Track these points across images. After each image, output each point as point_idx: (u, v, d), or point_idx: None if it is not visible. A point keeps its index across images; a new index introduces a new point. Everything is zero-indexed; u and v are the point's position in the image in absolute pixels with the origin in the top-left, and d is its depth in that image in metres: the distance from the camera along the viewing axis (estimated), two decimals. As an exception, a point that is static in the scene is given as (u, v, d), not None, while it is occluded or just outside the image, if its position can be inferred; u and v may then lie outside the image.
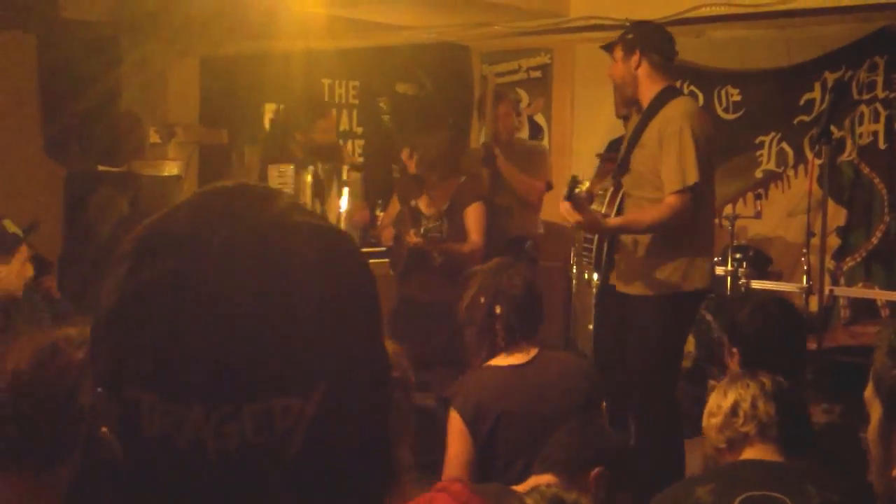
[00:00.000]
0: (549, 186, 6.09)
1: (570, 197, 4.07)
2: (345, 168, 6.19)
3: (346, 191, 6.07)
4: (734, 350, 3.37)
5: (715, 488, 2.20)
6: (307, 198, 5.77)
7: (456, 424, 3.28)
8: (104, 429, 0.77)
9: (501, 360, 3.36)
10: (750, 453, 2.33)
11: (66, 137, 5.87)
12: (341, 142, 7.38)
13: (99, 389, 0.78)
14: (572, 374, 3.42)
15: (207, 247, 0.77)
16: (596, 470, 2.49)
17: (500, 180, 5.79)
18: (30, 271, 3.79)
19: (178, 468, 0.75)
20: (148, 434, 0.75)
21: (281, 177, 5.80)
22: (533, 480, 2.55)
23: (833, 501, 2.05)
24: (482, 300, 3.37)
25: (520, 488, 2.43)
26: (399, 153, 6.01)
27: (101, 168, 5.65)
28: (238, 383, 0.74)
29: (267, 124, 6.95)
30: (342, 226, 6.04)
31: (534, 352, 3.37)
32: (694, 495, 2.20)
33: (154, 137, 6.21)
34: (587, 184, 4.26)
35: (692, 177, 4.15)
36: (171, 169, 6.02)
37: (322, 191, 5.85)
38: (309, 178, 5.79)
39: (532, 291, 3.43)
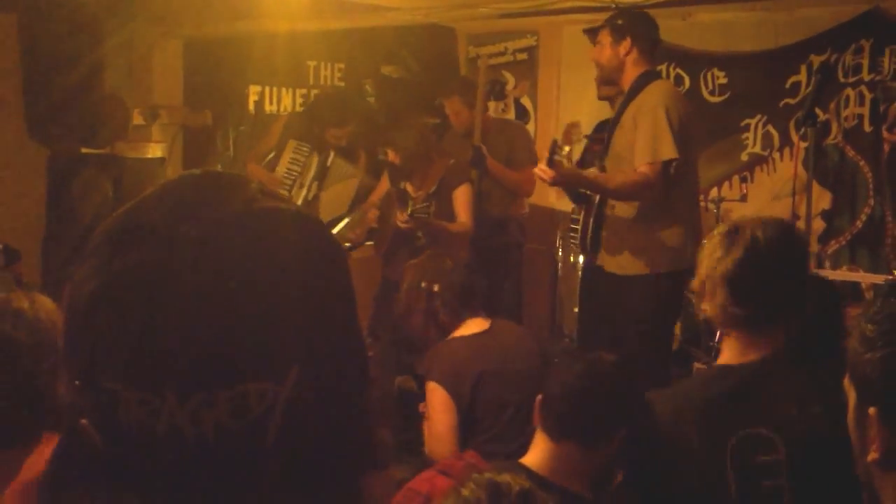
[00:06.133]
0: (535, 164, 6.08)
1: (552, 163, 4.16)
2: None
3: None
4: None
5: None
6: (308, 178, 5.87)
7: (439, 395, 3.44)
8: (83, 420, 0.77)
9: (462, 332, 3.60)
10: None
11: (48, 118, 5.83)
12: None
13: (76, 382, 0.79)
14: (526, 338, 3.73)
15: (176, 237, 0.77)
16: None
17: (487, 177, 5.76)
18: None
19: (158, 455, 0.76)
20: (125, 423, 0.75)
21: (296, 152, 5.96)
22: None
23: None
24: (422, 285, 3.64)
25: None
26: (383, 139, 6.01)
27: (84, 150, 5.62)
28: (210, 370, 0.75)
29: (252, 106, 6.93)
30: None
31: (488, 322, 3.63)
32: None
33: (138, 119, 6.17)
34: (567, 149, 4.35)
35: (665, 152, 4.22)
36: (154, 151, 6.00)
37: (324, 177, 5.91)
38: (315, 162, 5.89)
39: (468, 269, 3.72)
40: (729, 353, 2.35)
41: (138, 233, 0.79)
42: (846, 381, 1.55)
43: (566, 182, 4.38)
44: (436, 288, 3.62)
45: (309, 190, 5.86)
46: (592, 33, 4.75)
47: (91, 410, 0.77)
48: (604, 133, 5.24)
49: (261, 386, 0.76)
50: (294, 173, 5.86)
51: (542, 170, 4.18)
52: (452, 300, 3.62)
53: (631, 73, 4.48)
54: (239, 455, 0.76)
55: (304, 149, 5.95)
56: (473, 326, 3.62)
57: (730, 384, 2.27)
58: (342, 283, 0.84)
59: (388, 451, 2.56)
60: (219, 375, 0.75)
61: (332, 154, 5.97)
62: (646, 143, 4.26)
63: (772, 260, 2.29)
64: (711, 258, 2.32)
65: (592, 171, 4.55)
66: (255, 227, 0.80)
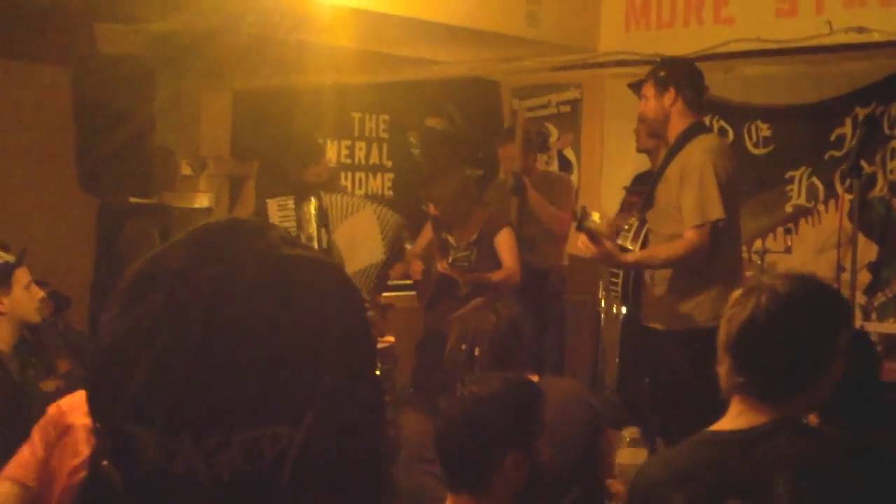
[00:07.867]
0: (575, 217, 6.08)
1: (580, 228, 4.08)
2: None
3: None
4: None
5: None
6: (312, 228, 5.68)
7: None
8: (105, 462, 0.79)
9: None
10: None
11: (99, 170, 5.93)
12: (368, 174, 7.45)
13: (97, 424, 0.81)
14: (572, 404, 3.38)
15: (195, 281, 0.79)
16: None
17: (526, 210, 5.79)
18: (38, 294, 3.79)
19: (175, 496, 0.77)
20: (143, 464, 0.77)
21: (282, 210, 5.72)
22: None
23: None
24: (463, 347, 3.32)
25: None
26: (424, 194, 5.95)
27: (132, 200, 5.71)
28: (225, 414, 0.76)
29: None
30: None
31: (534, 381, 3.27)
32: None
33: (186, 169, 6.28)
34: (597, 215, 4.25)
35: (713, 213, 4.14)
36: (202, 201, 6.08)
37: (327, 220, 5.76)
38: (313, 209, 5.69)
39: (513, 325, 3.37)
40: (725, 419, 2.20)
41: (159, 277, 0.81)
42: None
43: (606, 260, 4.29)
44: (476, 352, 3.34)
45: (320, 239, 5.65)
46: (637, 87, 4.69)
47: (112, 452, 0.79)
48: (643, 185, 5.21)
49: (274, 430, 0.77)
50: (291, 230, 5.48)
51: (584, 244, 4.10)
52: (492, 365, 3.30)
53: (676, 125, 4.39)
54: (253, 498, 0.77)
55: (288, 202, 5.71)
56: None
57: (715, 451, 2.13)
58: (359, 330, 0.85)
59: (402, 495, 2.50)
60: (232, 418, 0.76)
61: (322, 195, 5.76)
62: (694, 205, 4.17)
63: (774, 325, 2.10)
64: (724, 321, 2.18)
65: (633, 254, 4.45)
66: (275, 272, 0.81)
